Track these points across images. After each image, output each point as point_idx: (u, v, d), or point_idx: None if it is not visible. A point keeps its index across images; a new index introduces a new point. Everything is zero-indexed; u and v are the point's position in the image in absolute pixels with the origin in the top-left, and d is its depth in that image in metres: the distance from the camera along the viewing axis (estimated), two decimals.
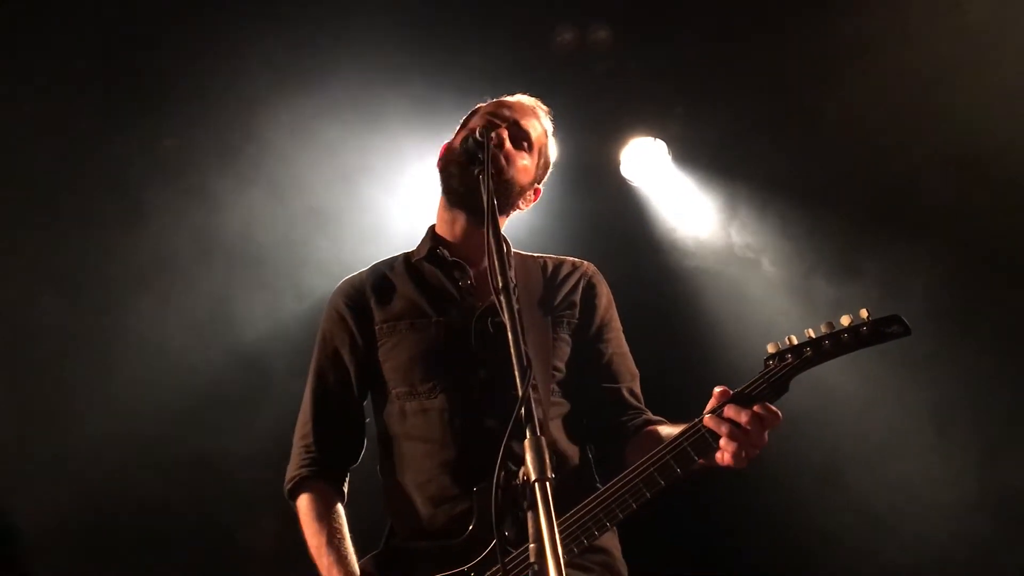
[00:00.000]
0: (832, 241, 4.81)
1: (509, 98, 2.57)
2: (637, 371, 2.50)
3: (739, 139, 4.85)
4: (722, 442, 1.96)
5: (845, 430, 4.65)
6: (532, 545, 1.49)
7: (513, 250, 2.55)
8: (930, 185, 4.57)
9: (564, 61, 4.56)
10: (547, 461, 1.50)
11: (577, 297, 2.47)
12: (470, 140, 2.06)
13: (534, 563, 1.48)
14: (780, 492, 4.58)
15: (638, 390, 2.47)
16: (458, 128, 2.58)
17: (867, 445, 4.63)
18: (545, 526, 1.44)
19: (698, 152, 5.00)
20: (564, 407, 2.33)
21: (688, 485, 2.10)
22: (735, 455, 1.95)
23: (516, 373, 1.61)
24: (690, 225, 5.13)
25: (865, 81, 4.51)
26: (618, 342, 2.50)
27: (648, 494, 2.02)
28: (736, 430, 1.95)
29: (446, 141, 2.54)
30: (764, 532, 4.64)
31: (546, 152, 2.57)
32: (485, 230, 1.83)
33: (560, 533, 1.96)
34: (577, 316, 2.45)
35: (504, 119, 2.46)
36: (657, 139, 4.97)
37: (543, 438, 1.53)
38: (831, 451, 4.64)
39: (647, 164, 5.02)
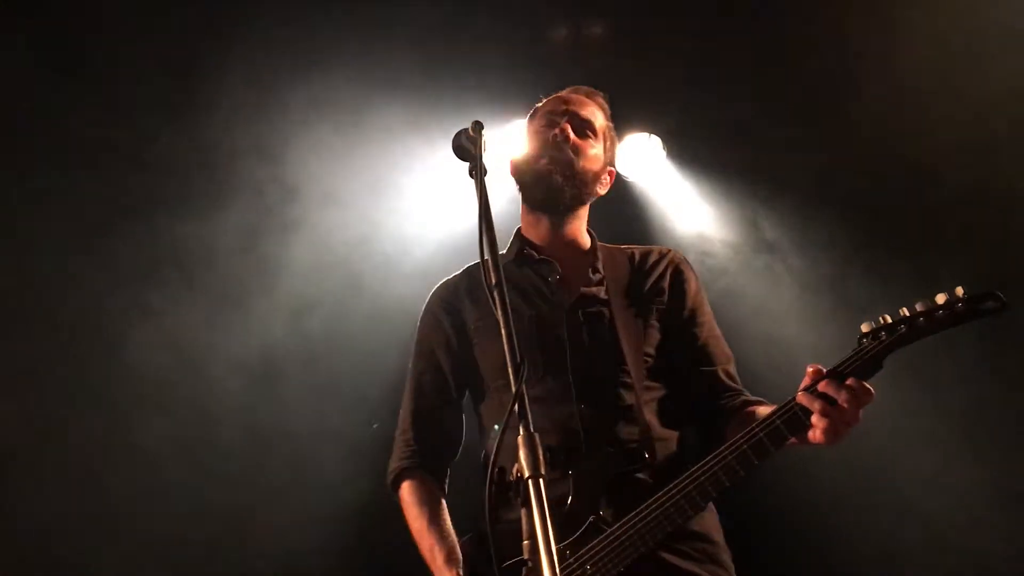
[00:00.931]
0: (834, 236, 4.79)
1: (563, 92, 2.68)
2: (732, 354, 2.55)
3: (736, 135, 4.85)
4: (814, 418, 2.01)
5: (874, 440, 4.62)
6: (526, 542, 1.49)
7: (599, 243, 2.64)
8: (946, 181, 4.49)
9: (557, 57, 4.55)
10: (540, 458, 1.51)
11: (666, 284, 2.55)
12: (462, 137, 2.05)
13: (528, 560, 1.49)
14: (805, 499, 4.61)
15: (734, 371, 2.52)
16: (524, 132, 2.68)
17: (896, 453, 4.60)
18: (539, 523, 1.45)
19: (694, 148, 5.00)
20: (658, 392, 2.40)
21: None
22: (826, 431, 2.00)
23: (510, 371, 1.63)
24: (685, 222, 5.14)
25: (869, 73, 4.49)
26: (711, 326, 2.56)
27: (743, 472, 2.07)
28: (829, 406, 1.99)
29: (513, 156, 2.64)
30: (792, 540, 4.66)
31: (612, 135, 2.68)
32: (478, 227, 1.83)
33: (654, 512, 2.10)
34: (666, 302, 2.51)
35: (563, 113, 2.56)
36: (652, 135, 4.97)
37: (536, 435, 1.54)
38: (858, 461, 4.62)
39: (642, 160, 5.02)
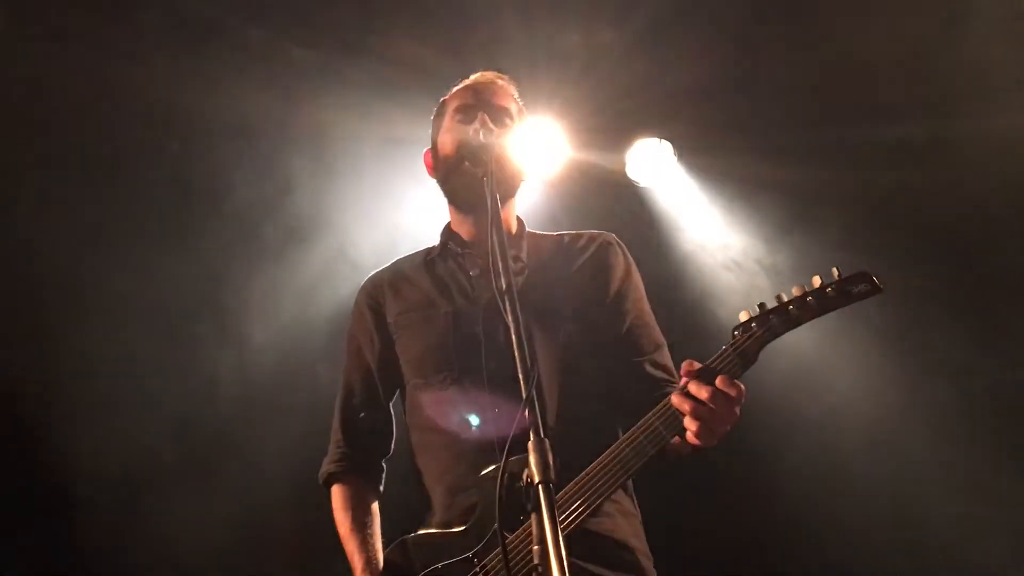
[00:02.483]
0: (841, 240, 4.77)
1: (470, 81, 2.53)
2: (662, 340, 2.41)
3: (746, 140, 4.83)
4: (686, 421, 1.92)
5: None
6: (536, 547, 1.50)
7: (527, 230, 2.53)
8: (967, 201, 4.44)
9: (569, 62, 4.55)
10: (550, 463, 1.52)
11: (590, 270, 2.42)
12: (474, 143, 2.06)
13: (538, 565, 1.49)
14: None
15: (664, 360, 2.38)
16: (433, 129, 2.56)
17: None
18: (548, 528, 1.45)
19: (704, 153, 4.98)
20: (577, 387, 2.26)
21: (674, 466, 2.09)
22: (698, 433, 1.91)
23: (520, 377, 1.63)
24: (696, 226, 5.12)
25: (882, 80, 4.46)
26: (638, 312, 2.41)
27: (623, 478, 2.00)
28: (699, 407, 1.90)
29: (427, 148, 2.57)
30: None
31: (524, 120, 2.55)
32: (489, 235, 1.84)
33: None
34: (589, 289, 2.39)
35: (476, 105, 2.41)
36: (663, 140, 4.97)
37: (547, 440, 1.54)
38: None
39: (653, 165, 5.01)
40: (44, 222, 4.23)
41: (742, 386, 1.92)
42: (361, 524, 2.32)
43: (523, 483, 1.56)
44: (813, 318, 1.92)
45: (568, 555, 1.92)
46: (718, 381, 1.90)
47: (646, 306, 2.46)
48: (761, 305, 1.95)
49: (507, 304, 1.72)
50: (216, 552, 4.25)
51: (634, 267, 2.49)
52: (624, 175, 5.04)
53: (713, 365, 1.95)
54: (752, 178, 4.89)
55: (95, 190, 4.32)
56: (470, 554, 2.07)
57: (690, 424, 1.92)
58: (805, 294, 1.91)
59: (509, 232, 2.47)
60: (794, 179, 4.76)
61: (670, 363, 2.39)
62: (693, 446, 1.99)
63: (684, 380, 1.96)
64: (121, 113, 4.17)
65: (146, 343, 4.43)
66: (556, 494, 1.95)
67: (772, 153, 4.74)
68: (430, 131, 2.58)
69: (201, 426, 4.45)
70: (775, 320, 1.93)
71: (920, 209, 4.61)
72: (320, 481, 2.46)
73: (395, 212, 4.64)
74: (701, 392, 1.90)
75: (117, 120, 4.18)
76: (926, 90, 4.32)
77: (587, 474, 2.02)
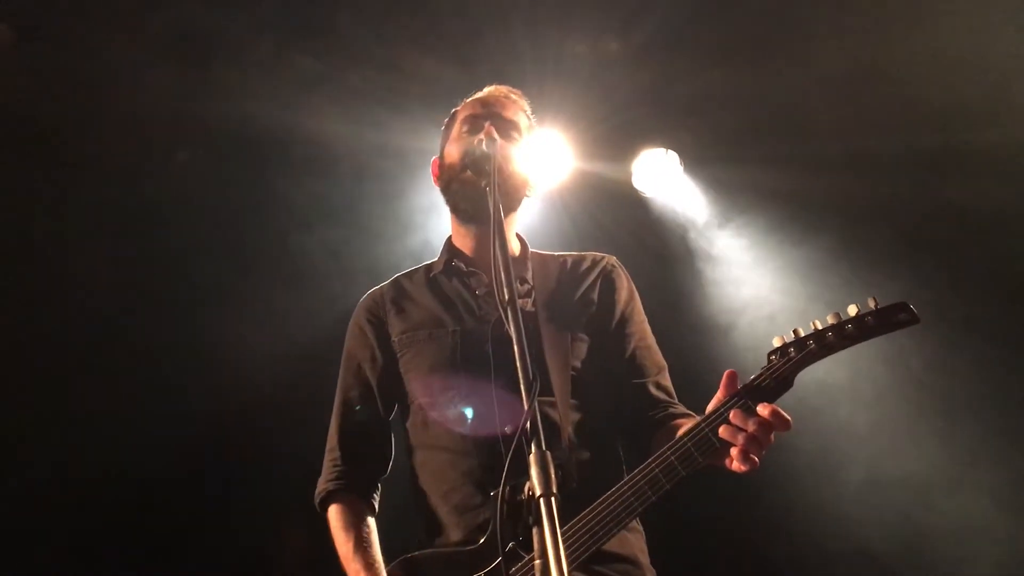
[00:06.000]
0: (845, 251, 4.74)
1: (482, 94, 2.55)
2: (664, 363, 2.44)
3: (753, 150, 4.81)
4: (733, 450, 1.92)
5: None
6: (538, 561, 1.48)
7: (531, 250, 2.54)
8: (968, 205, 4.44)
9: (574, 72, 4.55)
10: (552, 476, 1.50)
11: (596, 293, 2.44)
12: (477, 152, 2.05)
13: None
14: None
15: (666, 382, 2.41)
16: (442, 139, 2.58)
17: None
18: (550, 541, 1.43)
19: (711, 163, 4.97)
20: (585, 407, 2.27)
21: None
22: (740, 460, 1.91)
23: (522, 388, 1.61)
24: (703, 236, 5.11)
25: (892, 89, 4.45)
26: (641, 335, 2.44)
27: (653, 497, 1.99)
28: (740, 435, 1.91)
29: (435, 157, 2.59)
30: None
31: (534, 135, 2.57)
32: (491, 244, 1.83)
33: (570, 537, 1.97)
34: (596, 312, 2.41)
35: (484, 116, 2.44)
36: (669, 150, 4.96)
37: (548, 453, 1.52)
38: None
39: (659, 175, 5.00)
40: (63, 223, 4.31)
41: (789, 419, 1.90)
42: (363, 544, 2.25)
43: (524, 496, 1.54)
44: (850, 345, 1.92)
45: (574, 569, 1.94)
46: (762, 410, 1.90)
47: (648, 328, 2.48)
48: (795, 331, 1.95)
49: (509, 314, 1.70)
50: None
51: (635, 290, 2.52)
52: (630, 185, 5.04)
53: (754, 384, 1.95)
54: (758, 188, 4.88)
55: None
56: (482, 573, 2.05)
57: (734, 452, 1.92)
58: (843, 322, 1.91)
59: (511, 253, 2.47)
60: (800, 190, 4.74)
61: (671, 385, 2.42)
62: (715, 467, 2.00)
63: (723, 394, 1.97)
64: (124, 122, 4.18)
65: None
66: (585, 510, 1.99)
67: (778, 163, 4.72)
68: (438, 140, 2.59)
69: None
70: (813, 346, 1.92)
71: (930, 221, 4.60)
72: (316, 500, 2.38)
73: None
74: (745, 423, 1.90)
75: (119, 128, 4.20)
76: (940, 99, 4.30)
77: (611, 496, 2.02)
